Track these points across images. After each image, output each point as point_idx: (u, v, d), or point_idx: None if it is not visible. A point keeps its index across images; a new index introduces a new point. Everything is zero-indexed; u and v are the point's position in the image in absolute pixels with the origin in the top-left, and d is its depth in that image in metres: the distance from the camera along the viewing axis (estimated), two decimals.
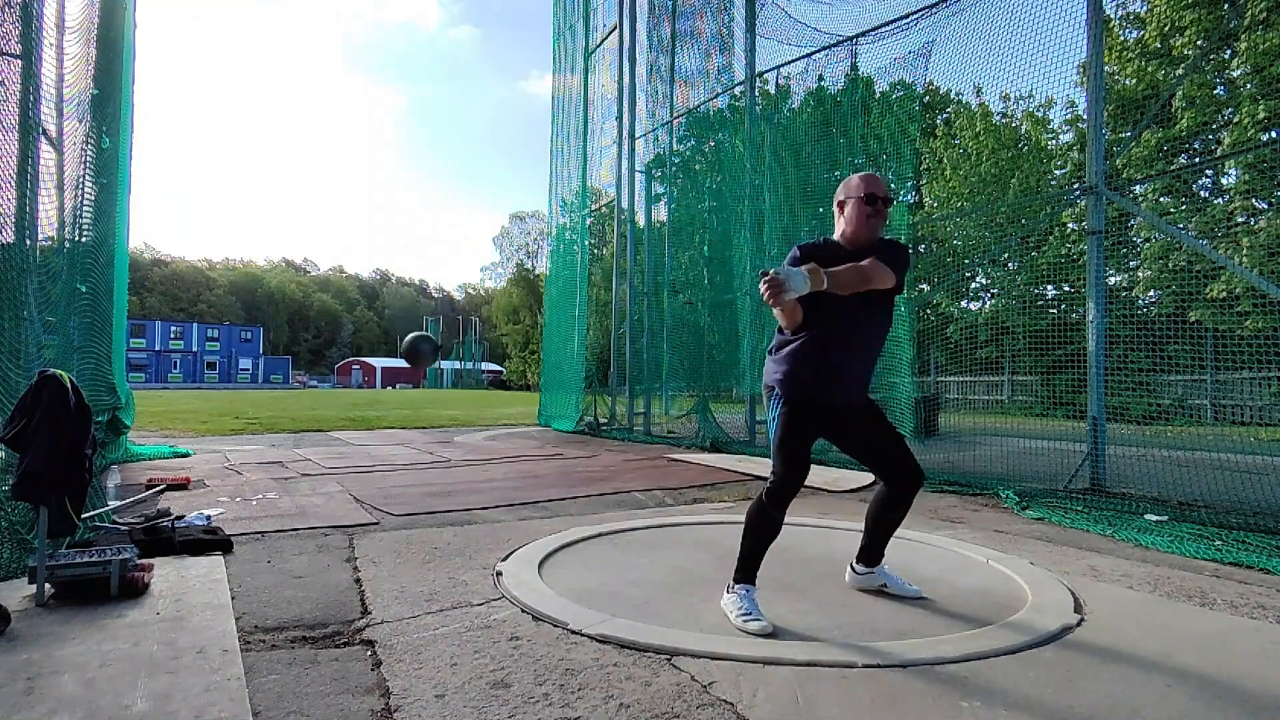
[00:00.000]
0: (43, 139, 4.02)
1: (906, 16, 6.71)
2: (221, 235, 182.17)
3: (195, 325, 65.36)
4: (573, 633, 2.33)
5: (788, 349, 2.60)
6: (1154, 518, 4.30)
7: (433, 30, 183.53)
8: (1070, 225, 12.69)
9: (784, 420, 2.59)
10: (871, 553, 2.81)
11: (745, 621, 2.39)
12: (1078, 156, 14.37)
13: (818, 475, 5.90)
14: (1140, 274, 13.24)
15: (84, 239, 5.10)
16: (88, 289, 5.41)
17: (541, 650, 2.19)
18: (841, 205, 2.66)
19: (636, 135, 11.18)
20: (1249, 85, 11.44)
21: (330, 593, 2.76)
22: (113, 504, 4.37)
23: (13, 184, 3.48)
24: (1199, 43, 12.21)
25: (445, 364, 68.63)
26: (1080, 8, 5.37)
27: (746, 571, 2.55)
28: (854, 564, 2.88)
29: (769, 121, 8.47)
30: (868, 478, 5.86)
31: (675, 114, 10.29)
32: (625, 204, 11.48)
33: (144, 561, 2.89)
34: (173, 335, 62.08)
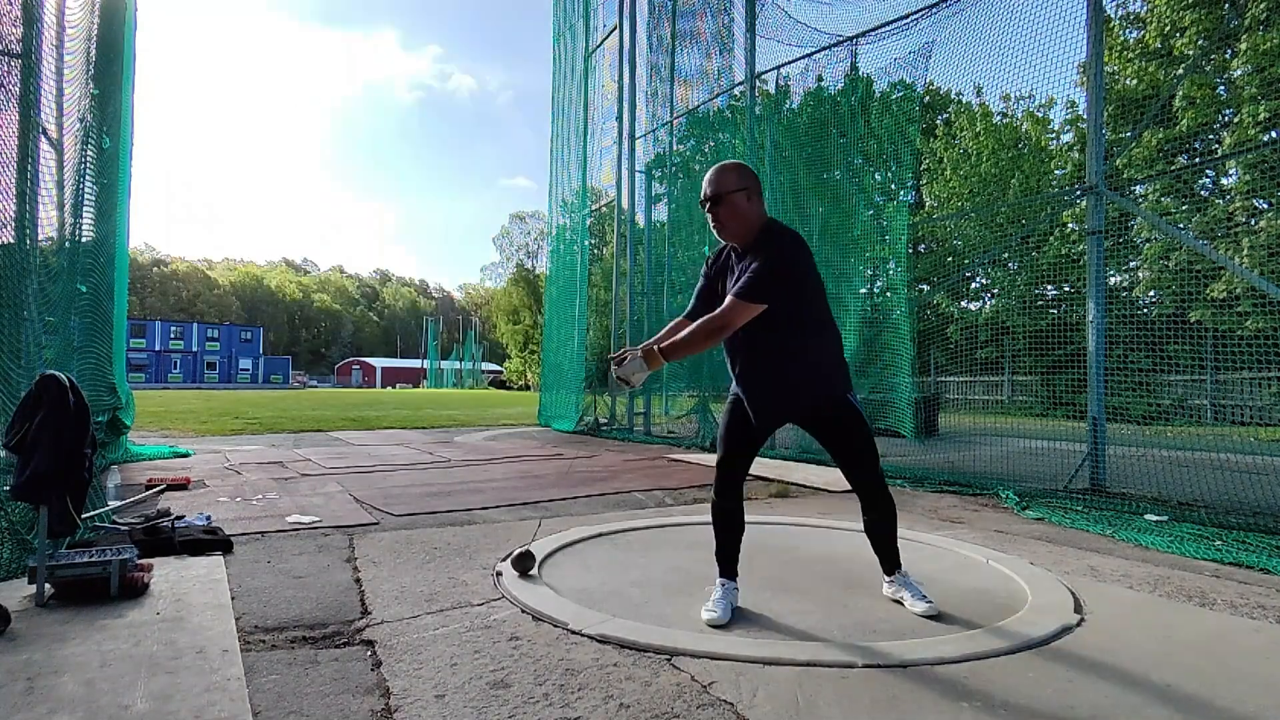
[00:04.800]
0: (43, 139, 4.02)
1: (906, 16, 6.71)
2: (221, 235, 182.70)
3: (195, 325, 65.34)
4: (573, 633, 2.33)
5: None
6: (1154, 518, 4.30)
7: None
8: (1070, 225, 12.67)
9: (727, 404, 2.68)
10: (880, 561, 2.74)
11: (704, 609, 2.50)
12: (1078, 156, 14.36)
13: (818, 475, 5.90)
14: (1140, 274, 13.23)
15: (84, 239, 5.10)
16: (88, 289, 5.41)
17: (541, 650, 2.19)
18: None
19: (636, 135, 11.18)
20: (1250, 86, 11.43)
21: (330, 593, 2.76)
22: (113, 504, 4.37)
23: (13, 184, 3.47)
24: (1199, 43, 12.21)
25: (445, 364, 68.70)
26: (1080, 8, 5.37)
27: (720, 563, 2.64)
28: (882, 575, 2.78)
29: (769, 122, 8.47)
30: None
31: (675, 114, 10.29)
32: (625, 204, 11.48)
33: (144, 561, 2.89)
34: (173, 335, 62.05)
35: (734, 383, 2.61)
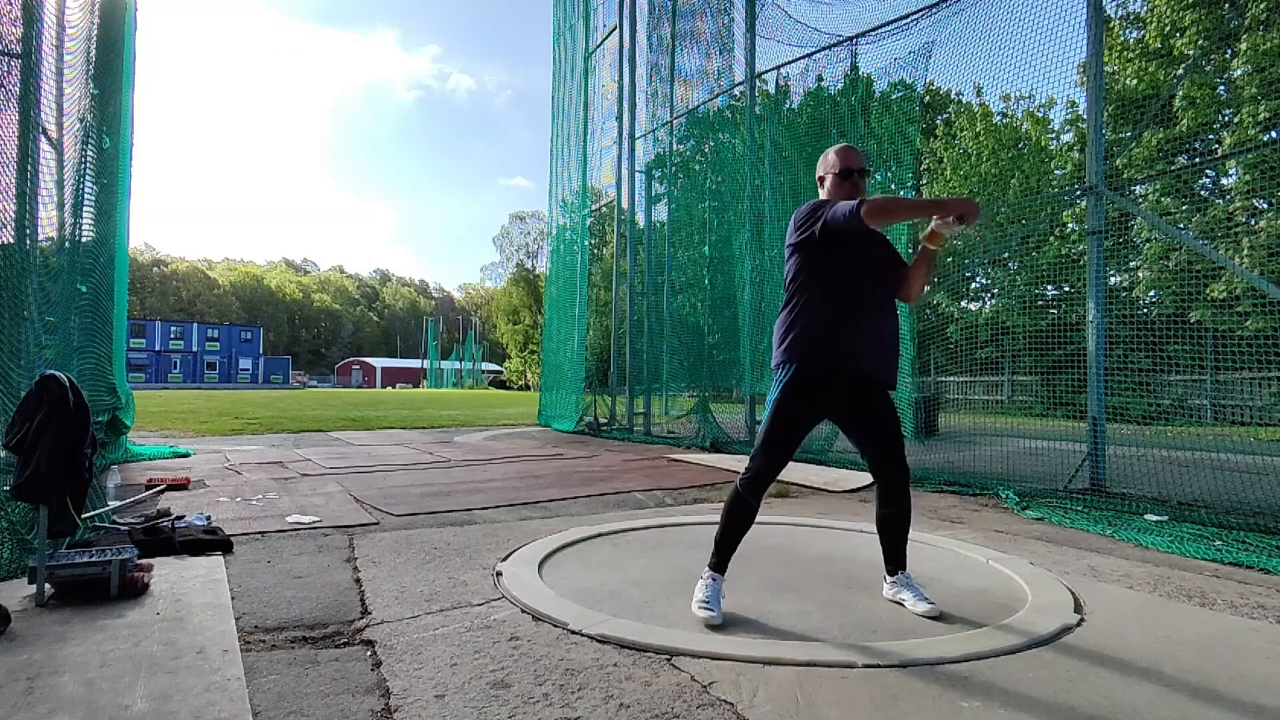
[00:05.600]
0: (43, 139, 4.02)
1: (906, 16, 6.71)
2: (221, 235, 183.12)
3: (195, 325, 65.35)
4: (573, 633, 2.33)
5: (788, 315, 2.62)
6: (1154, 518, 4.30)
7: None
8: (1070, 225, 12.67)
9: (776, 404, 2.58)
10: (887, 559, 2.72)
11: (697, 607, 2.49)
12: (1078, 156, 14.36)
13: (817, 475, 5.90)
14: (1140, 274, 13.23)
15: (84, 239, 5.10)
16: (88, 289, 5.41)
17: (541, 650, 2.19)
18: (822, 181, 2.73)
19: (636, 135, 11.18)
20: (1250, 86, 11.43)
21: (330, 593, 2.76)
22: (113, 504, 4.37)
23: (13, 184, 3.47)
24: (1199, 43, 12.21)
25: (445, 364, 68.73)
26: (1080, 8, 5.37)
27: (717, 556, 2.60)
28: (884, 575, 2.76)
29: (769, 122, 8.47)
30: (868, 477, 5.86)
31: (675, 114, 10.29)
32: (625, 204, 11.48)
33: (144, 561, 2.89)
34: (173, 335, 62.06)
35: (819, 353, 2.50)
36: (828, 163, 2.68)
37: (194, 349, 62.56)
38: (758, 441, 2.60)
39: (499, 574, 3.01)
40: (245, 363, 65.19)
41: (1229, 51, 12.04)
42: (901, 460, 2.60)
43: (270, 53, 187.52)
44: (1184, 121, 12.51)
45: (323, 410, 17.82)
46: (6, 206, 3.41)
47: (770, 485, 2.63)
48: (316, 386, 62.12)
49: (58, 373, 2.63)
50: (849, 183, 2.62)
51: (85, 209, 5.02)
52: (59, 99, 4.53)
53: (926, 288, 2.62)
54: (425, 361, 71.04)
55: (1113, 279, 12.33)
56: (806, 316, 2.55)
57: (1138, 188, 12.09)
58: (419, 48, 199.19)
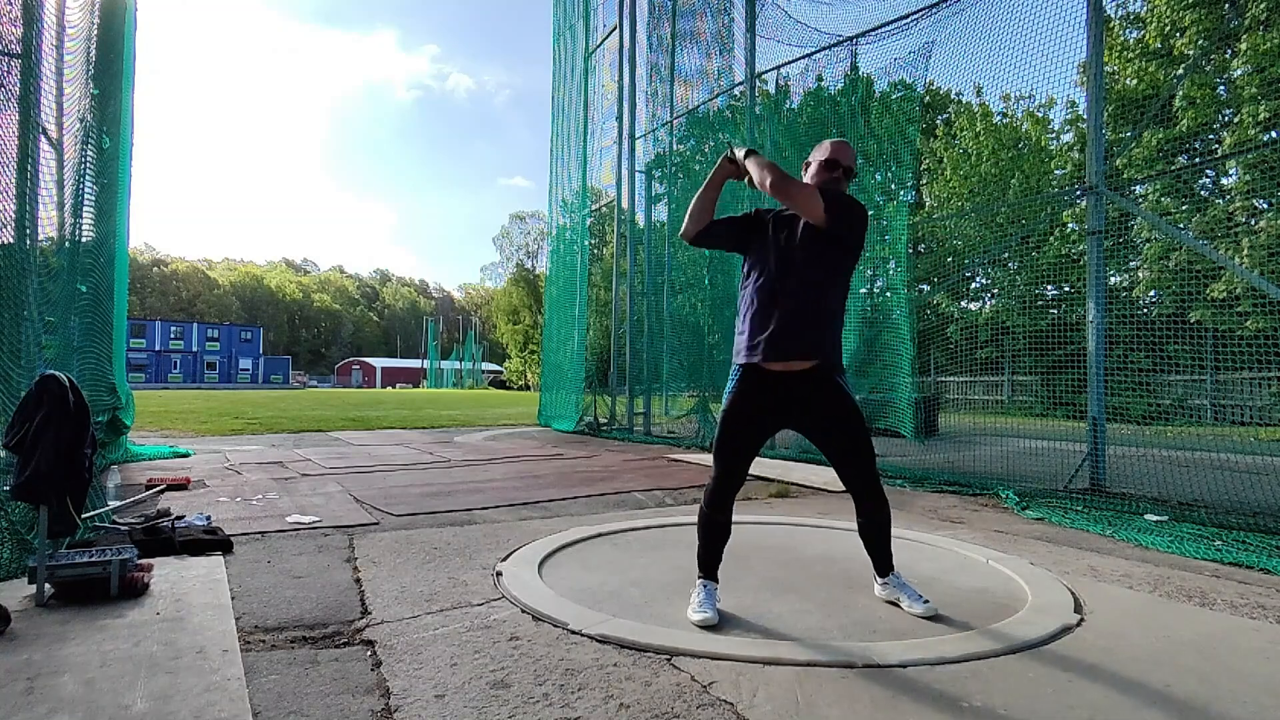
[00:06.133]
0: (43, 139, 4.02)
1: (906, 16, 6.71)
2: (221, 235, 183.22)
3: (195, 325, 65.33)
4: (573, 633, 2.33)
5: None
6: (1154, 518, 4.30)
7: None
8: (1070, 225, 12.67)
9: (723, 412, 2.59)
10: (874, 564, 2.72)
11: (691, 611, 2.48)
12: (1078, 156, 14.36)
13: (817, 475, 5.90)
14: (1140, 274, 13.23)
15: (84, 239, 5.10)
16: (88, 289, 5.41)
17: (541, 650, 2.19)
18: (807, 167, 2.75)
19: (636, 135, 11.18)
20: (1250, 86, 11.43)
21: (330, 593, 2.76)
22: (113, 504, 4.37)
23: (13, 184, 3.47)
24: (1199, 43, 12.21)
25: (445, 364, 68.75)
26: (1080, 8, 5.37)
27: (703, 567, 2.61)
28: (874, 576, 2.77)
29: (769, 122, 8.47)
30: None
31: (675, 114, 10.29)
32: (625, 204, 11.48)
33: (144, 561, 2.89)
34: (173, 335, 62.05)
35: (751, 349, 2.51)
36: (820, 149, 2.72)
37: (194, 349, 62.54)
38: (713, 452, 2.61)
39: (499, 574, 3.01)
40: (245, 363, 65.16)
41: (1229, 51, 12.04)
42: (862, 467, 2.55)
43: (270, 53, 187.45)
44: (1184, 121, 12.50)
45: (323, 410, 17.82)
46: (6, 206, 3.41)
47: (735, 495, 2.61)
48: (316, 386, 62.10)
49: (58, 373, 2.64)
50: (828, 172, 2.65)
51: (85, 209, 5.02)
52: (59, 99, 4.53)
53: (798, 197, 2.48)
54: (425, 361, 71.03)
55: (1113, 279, 12.33)
56: (740, 316, 2.63)
57: (1138, 188, 12.09)
58: (418, 48, 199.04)
